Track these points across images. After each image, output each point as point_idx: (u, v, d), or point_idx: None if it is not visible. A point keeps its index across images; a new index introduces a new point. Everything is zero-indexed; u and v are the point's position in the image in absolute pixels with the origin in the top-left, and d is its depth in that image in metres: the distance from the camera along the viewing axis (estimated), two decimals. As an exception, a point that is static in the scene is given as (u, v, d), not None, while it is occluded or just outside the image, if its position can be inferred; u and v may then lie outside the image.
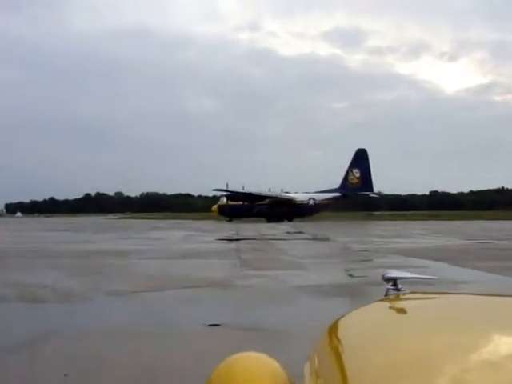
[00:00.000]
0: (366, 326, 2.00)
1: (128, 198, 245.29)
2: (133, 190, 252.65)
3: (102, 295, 13.88)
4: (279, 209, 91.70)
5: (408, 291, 2.37)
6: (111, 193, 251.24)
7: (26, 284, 15.92)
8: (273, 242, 38.44)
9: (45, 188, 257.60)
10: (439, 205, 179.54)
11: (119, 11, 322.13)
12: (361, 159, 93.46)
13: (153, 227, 66.00)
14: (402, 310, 2.13)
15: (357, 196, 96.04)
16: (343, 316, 2.15)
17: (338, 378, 1.54)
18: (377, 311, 2.20)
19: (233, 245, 34.86)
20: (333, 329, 2.03)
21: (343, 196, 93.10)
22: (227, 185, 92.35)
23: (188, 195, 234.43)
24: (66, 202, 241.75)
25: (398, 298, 2.30)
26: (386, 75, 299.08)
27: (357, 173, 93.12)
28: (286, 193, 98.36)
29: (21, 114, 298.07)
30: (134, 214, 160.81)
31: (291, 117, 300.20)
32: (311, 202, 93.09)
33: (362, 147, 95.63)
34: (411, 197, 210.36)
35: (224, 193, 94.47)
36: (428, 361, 1.44)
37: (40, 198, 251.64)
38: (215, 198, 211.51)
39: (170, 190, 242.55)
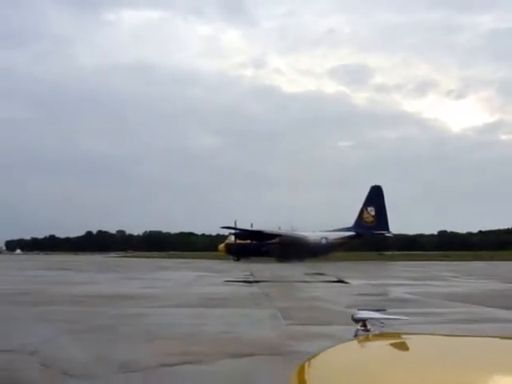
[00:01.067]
0: (336, 366, 1.96)
1: (130, 236, 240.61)
2: (135, 229, 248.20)
3: (114, 372, 9.40)
4: (290, 248, 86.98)
5: (377, 332, 2.38)
6: (113, 231, 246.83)
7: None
8: (297, 284, 34.53)
9: (45, 225, 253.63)
10: (448, 245, 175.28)
11: (124, 47, 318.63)
12: (376, 196, 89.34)
13: (159, 267, 61.93)
14: (370, 351, 2.18)
15: (372, 235, 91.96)
16: (312, 357, 2.09)
17: None
18: (346, 352, 2.16)
19: (255, 288, 30.92)
20: (303, 369, 1.99)
21: (357, 235, 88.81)
22: (235, 222, 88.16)
23: (191, 234, 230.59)
24: (67, 239, 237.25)
25: (367, 339, 2.29)
26: (392, 113, 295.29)
27: (372, 211, 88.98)
28: (295, 231, 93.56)
29: (25, 150, 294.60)
30: (136, 253, 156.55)
31: (296, 155, 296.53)
32: (324, 241, 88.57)
33: (378, 184, 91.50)
34: (419, 237, 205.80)
35: (232, 231, 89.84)
36: None
37: (41, 235, 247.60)
38: (219, 237, 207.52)
39: (172, 228, 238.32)
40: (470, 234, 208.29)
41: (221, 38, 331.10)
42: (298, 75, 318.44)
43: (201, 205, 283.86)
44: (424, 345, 2.22)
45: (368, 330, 2.43)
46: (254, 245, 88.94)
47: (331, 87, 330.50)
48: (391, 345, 2.24)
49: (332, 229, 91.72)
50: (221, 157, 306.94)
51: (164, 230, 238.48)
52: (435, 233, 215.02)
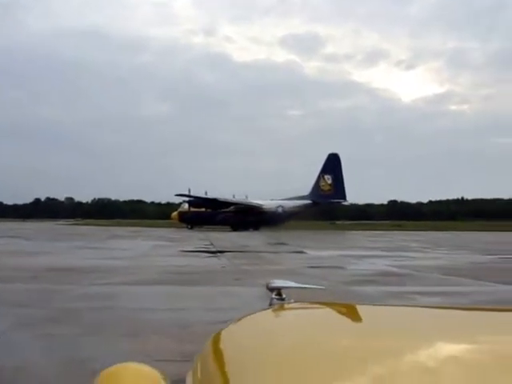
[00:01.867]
0: (250, 336, 1.97)
1: (79, 203, 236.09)
2: (84, 196, 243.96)
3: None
4: (245, 216, 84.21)
5: (292, 300, 2.37)
6: (62, 198, 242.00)
7: None
8: (267, 256, 32.25)
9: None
10: (398, 215, 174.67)
11: (75, 13, 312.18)
12: (333, 164, 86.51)
13: (112, 235, 58.77)
14: (285, 320, 2.18)
15: (329, 204, 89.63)
16: (227, 326, 2.11)
17: None
18: (260, 321, 2.16)
19: (224, 260, 28.44)
20: (216, 339, 1.99)
21: (314, 203, 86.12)
22: (189, 190, 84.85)
23: (140, 201, 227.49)
24: (15, 206, 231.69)
25: (282, 308, 2.28)
26: (342, 83, 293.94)
27: (329, 179, 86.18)
28: (250, 199, 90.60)
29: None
30: (85, 221, 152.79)
31: (246, 123, 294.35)
32: (279, 210, 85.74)
33: (335, 152, 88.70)
34: (369, 206, 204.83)
35: (186, 198, 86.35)
36: (310, 370, 1.46)
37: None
38: (169, 205, 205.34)
39: (121, 196, 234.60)
40: (420, 204, 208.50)
41: (172, 5, 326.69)
42: (249, 43, 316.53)
43: (151, 172, 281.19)
44: (338, 314, 2.21)
45: (283, 300, 2.37)
46: (209, 213, 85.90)
47: (282, 56, 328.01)
48: (306, 314, 2.26)
49: (287, 197, 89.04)
50: (171, 124, 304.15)
51: (113, 197, 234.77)
52: (385, 202, 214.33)
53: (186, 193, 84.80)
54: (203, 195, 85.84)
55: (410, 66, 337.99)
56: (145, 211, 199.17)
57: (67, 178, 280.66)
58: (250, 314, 2.20)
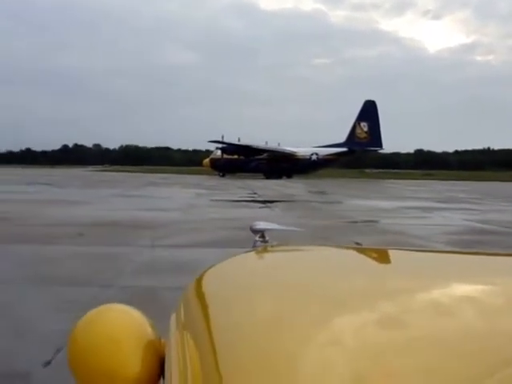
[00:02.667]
0: (233, 277, 1.96)
1: (107, 150, 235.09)
2: (111, 142, 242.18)
3: None
4: (279, 164, 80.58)
5: (275, 243, 2.37)
6: (89, 144, 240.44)
7: None
8: (321, 207, 29.08)
9: (21, 138, 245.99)
10: (425, 164, 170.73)
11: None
12: (370, 112, 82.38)
13: (147, 182, 55.44)
14: (268, 261, 2.18)
15: (364, 152, 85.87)
16: (210, 267, 2.06)
17: (205, 331, 1.51)
18: (244, 262, 2.14)
19: (278, 211, 25.66)
20: (199, 281, 1.96)
21: (350, 151, 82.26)
22: (222, 137, 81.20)
23: (167, 148, 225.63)
24: (44, 153, 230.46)
25: (265, 250, 2.28)
26: (368, 32, 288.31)
27: (365, 126, 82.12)
28: (283, 147, 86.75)
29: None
30: (114, 167, 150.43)
31: (274, 71, 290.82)
32: (314, 158, 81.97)
33: (371, 99, 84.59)
34: (395, 155, 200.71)
35: (219, 145, 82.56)
36: (294, 311, 1.46)
37: (16, 149, 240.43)
38: (196, 152, 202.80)
39: (148, 142, 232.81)
40: (446, 154, 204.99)
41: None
42: None
43: (177, 120, 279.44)
44: (320, 255, 2.21)
45: (266, 242, 2.39)
46: (241, 160, 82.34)
47: (309, 4, 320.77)
48: (289, 255, 2.25)
49: (321, 145, 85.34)
50: (198, 72, 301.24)
51: (140, 144, 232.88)
52: (411, 151, 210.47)
53: (219, 139, 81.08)
54: (236, 142, 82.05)
55: (436, 16, 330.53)
56: (172, 158, 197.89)
57: (95, 125, 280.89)
58: (233, 256, 2.13)
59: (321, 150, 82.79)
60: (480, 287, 1.61)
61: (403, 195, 42.74)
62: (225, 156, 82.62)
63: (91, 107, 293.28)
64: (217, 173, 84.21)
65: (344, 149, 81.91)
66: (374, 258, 2.22)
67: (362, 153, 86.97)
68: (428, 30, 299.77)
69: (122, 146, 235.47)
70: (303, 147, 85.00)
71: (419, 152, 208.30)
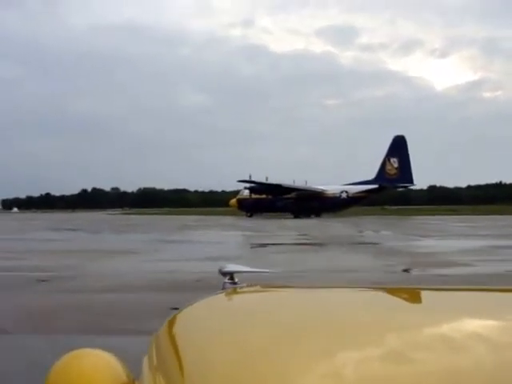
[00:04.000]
0: (203, 319, 1.94)
1: (124, 193, 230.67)
2: (129, 185, 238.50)
3: None
4: (308, 203, 75.46)
5: (244, 284, 2.32)
6: (107, 188, 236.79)
7: None
8: (396, 248, 24.08)
9: (41, 184, 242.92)
10: (438, 199, 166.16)
11: (114, 7, 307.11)
12: (399, 147, 77.33)
13: (182, 225, 50.52)
14: (237, 303, 2.16)
15: (395, 188, 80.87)
16: (180, 310, 2.06)
17: (177, 373, 1.54)
18: (214, 304, 2.13)
19: (367, 256, 20.36)
20: (170, 323, 1.95)
21: (381, 188, 77.13)
22: (250, 176, 76.29)
23: (184, 190, 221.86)
24: (62, 197, 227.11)
25: (234, 292, 2.24)
26: (377, 72, 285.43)
27: (395, 162, 76.96)
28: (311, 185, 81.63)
29: (17, 110, 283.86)
30: (135, 210, 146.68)
31: (285, 112, 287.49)
32: (344, 195, 76.91)
33: (401, 134, 79.65)
34: (408, 191, 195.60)
35: (247, 185, 77.54)
36: (262, 352, 1.46)
37: (36, 194, 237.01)
38: (212, 193, 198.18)
39: (165, 185, 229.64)
40: (458, 189, 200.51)
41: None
42: (286, 34, 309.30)
43: (192, 161, 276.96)
44: (289, 296, 2.18)
45: (235, 283, 2.33)
46: (269, 200, 77.37)
47: (318, 47, 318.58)
48: (257, 296, 2.24)
49: (351, 182, 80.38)
50: (211, 115, 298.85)
51: (157, 186, 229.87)
52: (424, 187, 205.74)
53: (247, 179, 76.21)
54: (265, 181, 77.16)
55: (443, 54, 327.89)
56: (189, 199, 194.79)
57: (112, 168, 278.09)
58: (203, 298, 2.12)
59: (350, 188, 77.79)
60: (488, 323, 1.59)
61: (463, 233, 37.90)
62: (254, 195, 77.67)
63: (108, 151, 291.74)
64: (244, 213, 79.46)
65: (375, 186, 76.82)
66: (342, 298, 2.12)
67: (392, 189, 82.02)
68: (436, 69, 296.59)
69: (140, 189, 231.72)
70: (332, 185, 79.99)
71: (432, 188, 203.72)
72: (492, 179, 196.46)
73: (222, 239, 31.65)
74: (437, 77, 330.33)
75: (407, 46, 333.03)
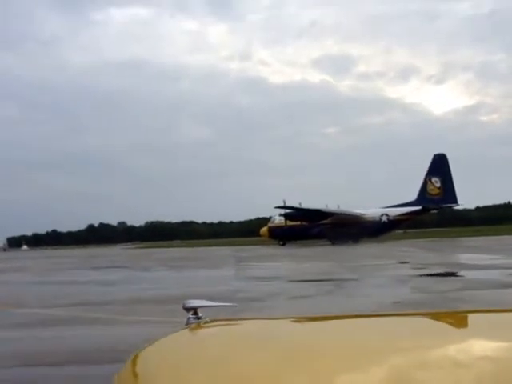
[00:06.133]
0: (168, 356, 1.86)
1: (132, 227, 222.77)
2: (136, 220, 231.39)
3: None
4: (345, 228, 67.63)
5: (208, 319, 2.24)
6: (114, 223, 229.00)
7: None
8: None
9: (46, 221, 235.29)
10: (447, 221, 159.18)
11: (112, 46, 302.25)
12: (440, 166, 70.07)
13: (232, 257, 42.99)
14: (202, 338, 2.09)
15: (439, 209, 73.69)
16: (143, 348, 1.97)
17: None
18: (178, 340, 2.06)
19: None
20: (133, 362, 1.87)
21: (424, 210, 69.86)
22: (284, 202, 69.12)
23: (193, 222, 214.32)
24: (70, 233, 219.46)
25: (198, 327, 2.17)
26: (375, 100, 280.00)
27: (437, 182, 69.77)
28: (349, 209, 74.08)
29: (20, 148, 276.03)
30: (145, 244, 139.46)
31: (285, 143, 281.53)
32: (384, 219, 69.54)
33: (442, 152, 72.28)
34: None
35: (282, 211, 70.25)
36: None
37: (42, 231, 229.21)
38: (221, 224, 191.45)
39: (173, 217, 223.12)
40: (467, 211, 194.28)
41: (207, 32, 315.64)
42: (283, 66, 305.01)
43: (198, 193, 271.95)
44: (253, 329, 2.11)
45: (199, 318, 2.25)
46: (303, 226, 69.84)
47: (316, 77, 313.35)
48: (221, 331, 2.14)
49: (390, 205, 72.98)
50: (213, 147, 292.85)
51: (165, 219, 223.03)
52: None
53: (281, 205, 68.98)
54: (301, 207, 69.80)
55: (440, 81, 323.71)
56: (198, 231, 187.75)
57: (118, 203, 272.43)
58: (167, 335, 2.05)
59: (391, 211, 70.42)
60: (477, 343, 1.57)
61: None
62: (288, 223, 70.22)
63: (113, 185, 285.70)
64: (276, 241, 71.95)
65: (418, 207, 69.49)
66: (308, 330, 2.07)
67: (435, 210, 74.80)
68: (433, 95, 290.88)
69: (147, 223, 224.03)
70: (370, 208, 72.60)
71: (443, 211, 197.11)
72: (499, 200, 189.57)
73: (300, 273, 24.46)
74: (434, 102, 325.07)
75: (403, 74, 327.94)
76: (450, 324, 1.99)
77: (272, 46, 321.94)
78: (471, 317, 2.10)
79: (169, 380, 1.55)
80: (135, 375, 1.73)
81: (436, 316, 2.19)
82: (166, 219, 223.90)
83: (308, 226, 69.78)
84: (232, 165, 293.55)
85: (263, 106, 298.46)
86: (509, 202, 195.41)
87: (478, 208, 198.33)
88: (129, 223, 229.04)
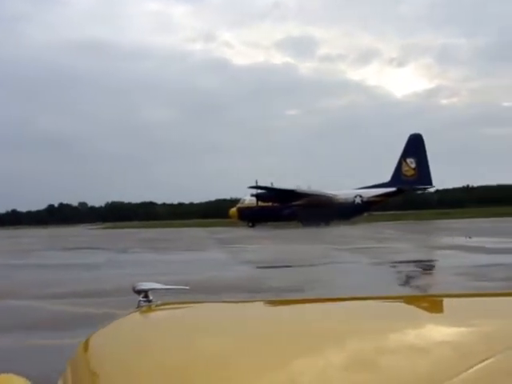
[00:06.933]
0: (119, 339, 1.84)
1: (92, 208, 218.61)
2: (96, 200, 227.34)
3: None
4: (317, 209, 65.20)
5: (159, 302, 2.21)
6: (75, 203, 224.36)
7: None
8: None
9: (6, 200, 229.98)
10: (408, 204, 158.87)
11: (76, 25, 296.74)
12: (416, 147, 68.04)
13: (215, 239, 40.31)
14: (152, 321, 2.05)
15: (413, 190, 72.04)
16: (96, 331, 1.94)
17: None
18: (129, 324, 2.01)
19: None
20: (85, 345, 1.83)
21: (399, 191, 67.96)
22: (256, 182, 66.69)
23: (152, 203, 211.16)
24: (29, 213, 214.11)
25: (149, 309, 2.12)
26: (337, 82, 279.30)
27: (412, 163, 67.78)
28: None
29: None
30: (107, 224, 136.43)
31: (247, 124, 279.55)
32: (358, 200, 67.49)
33: (417, 132, 70.19)
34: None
35: (258, 191, 67.57)
36: (178, 371, 1.42)
37: (1, 211, 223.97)
38: (181, 205, 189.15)
39: (133, 198, 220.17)
40: (427, 194, 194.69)
41: (170, 13, 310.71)
42: (247, 48, 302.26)
43: (159, 175, 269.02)
44: (203, 312, 2.09)
45: (150, 301, 2.20)
46: (274, 208, 67.40)
47: (278, 59, 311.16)
48: (172, 314, 2.12)
49: (365, 186, 70.96)
50: (174, 129, 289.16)
51: (125, 200, 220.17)
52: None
53: (253, 185, 66.63)
54: (275, 187, 67.43)
55: (401, 64, 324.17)
56: (158, 212, 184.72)
57: (79, 184, 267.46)
58: (118, 318, 2.02)
59: (365, 192, 68.41)
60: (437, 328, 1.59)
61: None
62: (260, 204, 67.73)
63: (73, 166, 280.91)
64: (246, 223, 69.44)
65: (392, 188, 67.53)
66: (259, 312, 2.03)
67: (410, 192, 73.12)
68: (394, 77, 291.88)
69: (108, 203, 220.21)
70: (343, 189, 70.42)
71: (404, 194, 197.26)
72: (458, 183, 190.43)
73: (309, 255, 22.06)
74: (395, 85, 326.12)
75: (365, 56, 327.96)
76: (412, 308, 1.97)
77: (236, 28, 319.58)
78: (434, 301, 2.10)
79: (118, 364, 1.53)
80: (87, 358, 1.68)
81: (403, 300, 2.17)
82: (126, 200, 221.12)
83: (279, 207, 67.45)
84: (193, 146, 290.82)
85: (227, 88, 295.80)
86: (468, 186, 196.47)
87: (437, 191, 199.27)
88: (89, 204, 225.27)
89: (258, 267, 19.32)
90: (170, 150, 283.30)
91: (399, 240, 32.26)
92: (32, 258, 27.85)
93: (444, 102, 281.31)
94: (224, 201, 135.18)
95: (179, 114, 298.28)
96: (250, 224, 68.78)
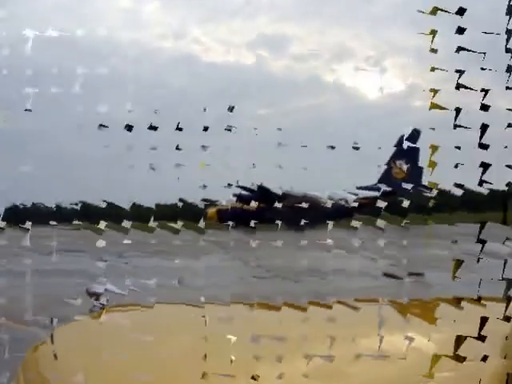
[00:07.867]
0: (72, 342, 1.84)
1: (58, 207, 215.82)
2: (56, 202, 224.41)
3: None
4: (301, 212, 60.69)
5: (114, 304, 2.25)
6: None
7: None
8: None
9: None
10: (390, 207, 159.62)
11: (41, 19, 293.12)
12: (407, 148, 64.03)
13: (209, 242, 35.39)
14: (105, 324, 2.00)
15: (403, 193, 67.90)
16: (50, 335, 1.90)
17: None
18: (81, 327, 2.03)
19: None
20: (39, 347, 1.86)
21: (388, 193, 63.78)
22: (238, 182, 61.32)
23: (116, 205, 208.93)
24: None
25: (101, 313, 2.12)
26: (310, 81, 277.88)
27: (401, 164, 64.02)
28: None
29: None
30: (76, 225, 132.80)
31: (217, 124, 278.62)
32: (342, 203, 63.18)
33: (411, 131, 66.15)
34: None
35: (237, 192, 63.04)
36: (132, 372, 1.40)
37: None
38: (141, 207, 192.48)
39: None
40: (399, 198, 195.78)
41: (140, 9, 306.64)
42: (218, 45, 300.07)
43: (121, 176, 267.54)
44: (157, 316, 2.08)
45: (102, 304, 2.23)
46: (258, 209, 62.64)
47: (250, 57, 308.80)
48: (124, 316, 2.11)
49: (345, 188, 66.79)
50: (142, 127, 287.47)
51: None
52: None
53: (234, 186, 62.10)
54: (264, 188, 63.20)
55: (375, 63, 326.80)
56: (121, 214, 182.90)
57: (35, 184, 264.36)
58: (72, 321, 1.99)
59: (350, 195, 64.22)
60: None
61: None
62: (237, 206, 63.41)
63: (34, 167, 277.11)
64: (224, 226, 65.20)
65: (381, 191, 63.64)
66: (217, 314, 1.97)
67: (402, 193, 69.49)
68: (368, 78, 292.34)
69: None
70: (331, 191, 66.45)
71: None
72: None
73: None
74: (369, 86, 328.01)
75: (339, 56, 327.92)
76: (383, 314, 1.92)
77: (206, 25, 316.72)
78: (404, 307, 2.01)
79: (73, 366, 1.48)
80: (40, 361, 1.67)
81: (380, 305, 2.09)
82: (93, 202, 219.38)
83: (262, 209, 63.00)
84: (160, 147, 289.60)
85: (197, 86, 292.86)
86: (444, 190, 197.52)
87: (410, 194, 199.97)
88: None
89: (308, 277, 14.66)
90: (136, 151, 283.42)
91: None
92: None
93: (418, 103, 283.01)
94: (189, 203, 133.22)
95: (147, 112, 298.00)
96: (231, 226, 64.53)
